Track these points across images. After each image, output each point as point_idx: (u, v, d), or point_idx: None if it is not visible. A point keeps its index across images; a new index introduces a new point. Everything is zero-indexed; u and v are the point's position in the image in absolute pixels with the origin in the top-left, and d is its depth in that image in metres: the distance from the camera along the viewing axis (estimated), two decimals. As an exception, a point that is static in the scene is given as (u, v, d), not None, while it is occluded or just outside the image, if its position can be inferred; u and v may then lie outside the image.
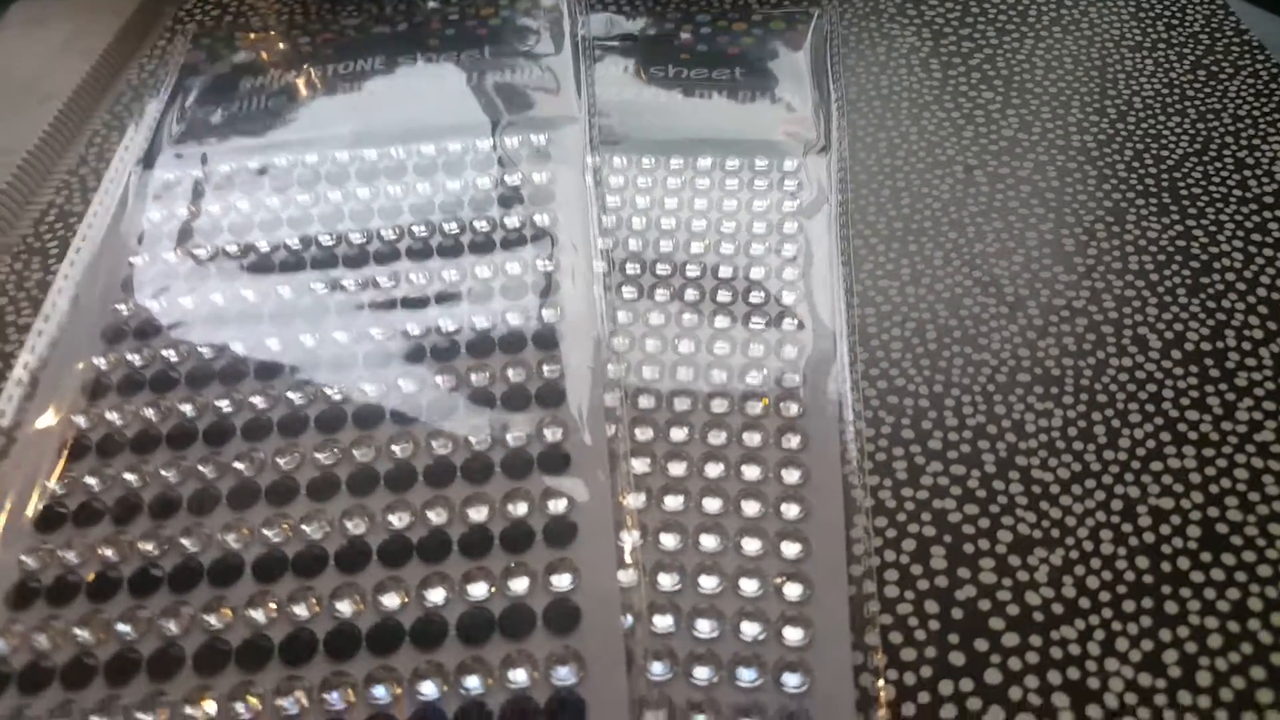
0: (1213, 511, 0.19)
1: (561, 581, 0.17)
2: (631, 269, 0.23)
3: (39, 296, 0.24)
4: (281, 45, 0.30)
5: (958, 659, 0.17)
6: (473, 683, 0.16)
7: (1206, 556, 0.18)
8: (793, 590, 0.17)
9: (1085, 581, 0.18)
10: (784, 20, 0.30)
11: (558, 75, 0.28)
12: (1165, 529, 0.18)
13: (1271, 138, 0.27)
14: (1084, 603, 0.17)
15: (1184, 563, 0.18)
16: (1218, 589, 0.18)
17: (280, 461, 0.19)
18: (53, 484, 0.19)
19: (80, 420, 0.20)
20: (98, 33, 0.33)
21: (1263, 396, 0.21)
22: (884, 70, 0.30)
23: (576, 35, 0.29)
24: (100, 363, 0.21)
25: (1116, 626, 0.17)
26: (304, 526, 0.18)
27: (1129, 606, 0.17)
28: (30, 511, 0.19)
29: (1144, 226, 0.25)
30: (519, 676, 0.16)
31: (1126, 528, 0.18)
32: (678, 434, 0.20)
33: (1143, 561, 0.18)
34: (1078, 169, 0.26)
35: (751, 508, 0.18)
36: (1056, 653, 0.17)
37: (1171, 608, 0.17)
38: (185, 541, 0.18)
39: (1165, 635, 0.17)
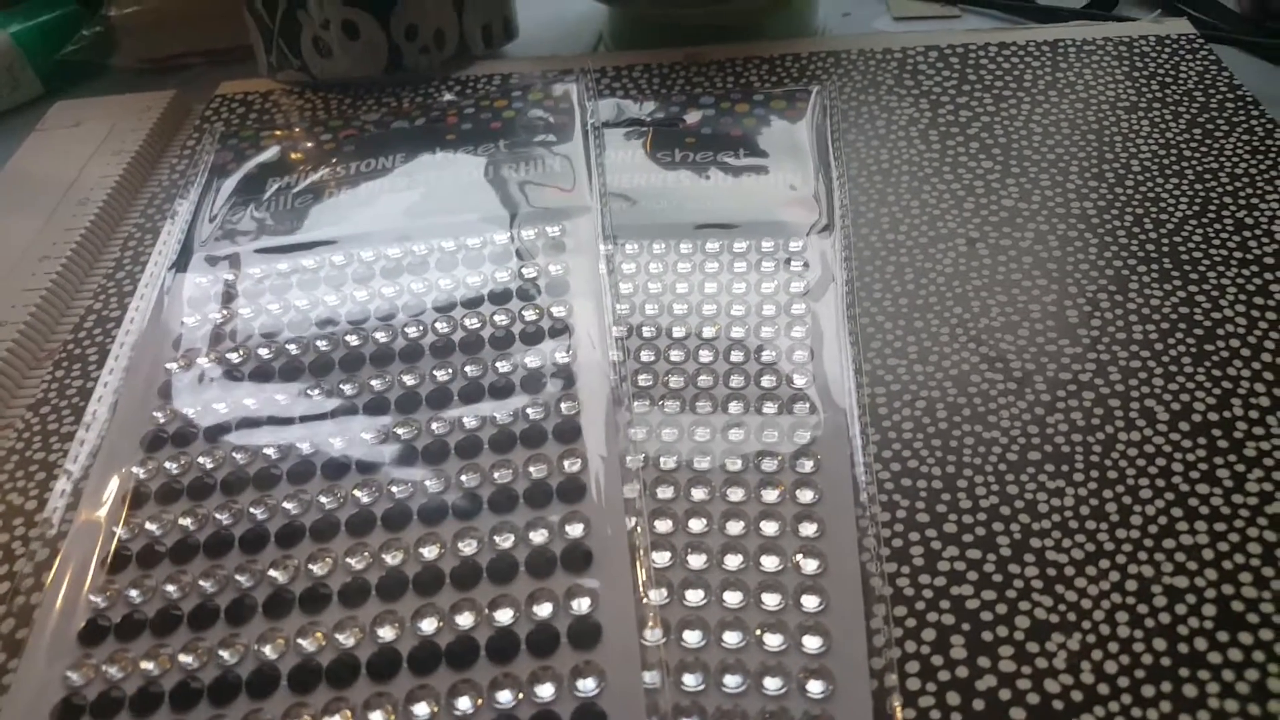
0: (1227, 589, 0.19)
1: (587, 685, 0.18)
2: (646, 355, 0.24)
3: (80, 404, 0.25)
4: (307, 144, 0.31)
5: (980, 751, 0.17)
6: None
7: (1223, 636, 0.18)
8: (815, 686, 0.17)
9: (1104, 666, 0.18)
10: (784, 99, 0.31)
11: (571, 165, 0.29)
12: (1181, 608, 0.19)
13: (1269, 196, 0.28)
14: (1103, 689, 0.18)
15: (1201, 643, 0.18)
16: (1236, 670, 0.18)
17: (313, 568, 0.20)
18: (96, 597, 0.20)
19: (120, 531, 0.21)
20: (130, 133, 0.34)
21: (1272, 466, 0.21)
22: (884, 143, 0.31)
23: (587, 124, 0.30)
24: (139, 472, 0.22)
25: (1136, 713, 0.17)
26: (337, 635, 0.19)
27: (1148, 691, 0.18)
28: (75, 625, 0.20)
29: (1146, 295, 0.25)
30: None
31: (1142, 609, 0.19)
32: (696, 525, 0.20)
33: (1160, 644, 0.18)
34: (1079, 237, 0.27)
35: (772, 600, 0.19)
36: (1078, 741, 0.17)
37: (1190, 691, 0.18)
38: (224, 654, 0.19)
39: (1186, 721, 0.17)
